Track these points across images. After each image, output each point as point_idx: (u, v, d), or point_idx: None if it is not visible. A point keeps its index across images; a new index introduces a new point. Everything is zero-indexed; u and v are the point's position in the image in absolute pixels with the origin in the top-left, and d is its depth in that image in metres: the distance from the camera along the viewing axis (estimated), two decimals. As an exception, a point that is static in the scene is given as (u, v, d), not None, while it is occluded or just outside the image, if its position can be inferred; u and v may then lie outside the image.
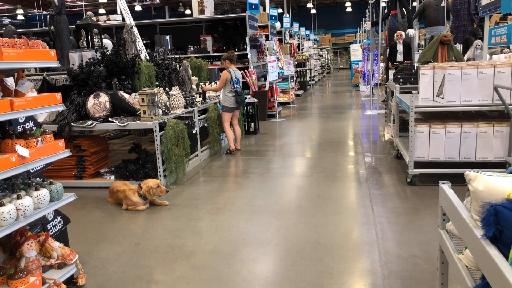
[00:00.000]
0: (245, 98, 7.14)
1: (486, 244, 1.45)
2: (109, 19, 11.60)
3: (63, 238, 3.44)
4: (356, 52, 18.36)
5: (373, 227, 3.80)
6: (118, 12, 13.24)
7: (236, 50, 10.48)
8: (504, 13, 5.87)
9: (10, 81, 2.85)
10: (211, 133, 6.86)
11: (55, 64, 2.84)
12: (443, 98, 4.72)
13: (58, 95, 2.89)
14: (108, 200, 4.89)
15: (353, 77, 18.40)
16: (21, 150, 2.55)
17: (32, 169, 3.05)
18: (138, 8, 28.04)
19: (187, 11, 31.55)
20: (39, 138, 2.74)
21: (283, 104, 12.84)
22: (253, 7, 10.77)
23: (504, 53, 8.30)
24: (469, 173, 1.65)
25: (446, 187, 2.04)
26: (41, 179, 3.18)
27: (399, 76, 6.38)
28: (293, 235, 3.73)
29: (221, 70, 10.58)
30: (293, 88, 14.19)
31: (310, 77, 18.60)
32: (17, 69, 2.68)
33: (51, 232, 3.31)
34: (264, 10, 13.59)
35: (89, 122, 5.24)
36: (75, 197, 3.04)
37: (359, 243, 3.50)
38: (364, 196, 4.63)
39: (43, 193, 2.74)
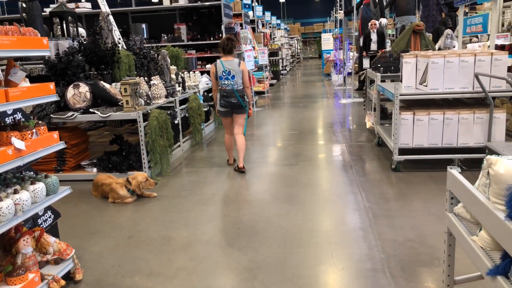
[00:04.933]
0: (240, 98, 5.23)
1: (511, 224, 1.50)
2: (77, 7, 11.20)
3: (54, 233, 3.33)
4: (327, 41, 18.49)
5: (364, 213, 3.87)
6: (82, 0, 12.74)
7: (211, 39, 10.35)
8: (480, 2, 6.04)
9: (-4, 70, 2.72)
10: (192, 123, 6.78)
11: (47, 52, 2.73)
12: (426, 86, 4.83)
13: (52, 85, 2.78)
14: (93, 194, 4.76)
15: (325, 66, 18.57)
16: (17, 142, 2.44)
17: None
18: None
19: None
20: (34, 130, 2.63)
21: (258, 93, 12.82)
22: (228, -5, 10.64)
23: (473, 42, 8.56)
24: (490, 157, 1.69)
25: (455, 172, 2.09)
26: (32, 173, 3.06)
27: (379, 65, 6.47)
28: (287, 223, 3.75)
29: (204, 59, 10.48)
30: (267, 77, 14.19)
31: (282, 66, 18.64)
32: (9, 57, 2.55)
33: (42, 227, 3.21)
34: (237, -2, 13.44)
35: (70, 114, 5.07)
36: (71, 190, 2.95)
37: (353, 229, 3.56)
38: (351, 183, 4.70)
39: (40, 187, 2.64)
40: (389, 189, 4.45)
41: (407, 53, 5.27)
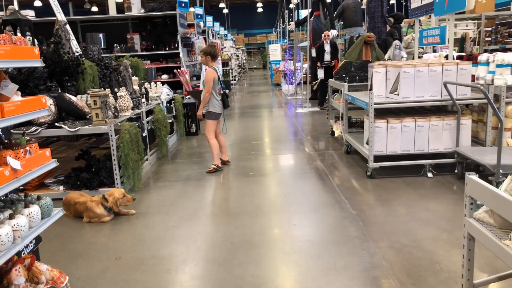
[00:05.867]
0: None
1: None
2: (20, 15, 10.53)
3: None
4: (275, 52, 18.75)
5: (354, 221, 3.91)
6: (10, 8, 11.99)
7: (167, 49, 10.15)
8: (437, 15, 6.39)
9: (-24, 83, 2.46)
10: (158, 136, 6.56)
11: (39, 63, 2.51)
12: (398, 95, 5.00)
13: (43, 99, 2.56)
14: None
15: (274, 77, 18.79)
16: (13, 162, 2.21)
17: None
18: (38, 3, 25.75)
19: (94, 8, 29.92)
20: (28, 148, 2.40)
21: (212, 104, 12.69)
22: (183, 5, 10.51)
23: (420, 53, 9.01)
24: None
25: (475, 178, 2.16)
26: (13, 194, 2.79)
27: (344, 75, 6.63)
28: (280, 235, 3.71)
29: (159, 70, 10.19)
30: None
31: (232, 77, 18.64)
32: (1, 69, 2.31)
33: (23, 253, 2.93)
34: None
35: (33, 128, 4.71)
36: (63, 212, 2.71)
37: (348, 237, 3.58)
38: (332, 191, 4.75)
39: (35, 210, 2.41)
40: (370, 196, 4.53)
41: (377, 63, 5.44)
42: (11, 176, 2.19)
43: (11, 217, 2.23)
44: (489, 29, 13.32)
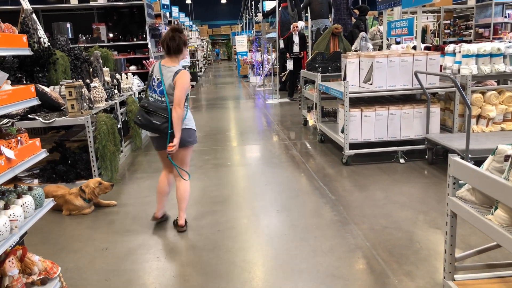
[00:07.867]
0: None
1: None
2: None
3: (22, 252, 3.01)
4: (241, 43, 18.75)
5: (334, 206, 4.05)
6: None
7: (134, 39, 9.98)
8: (405, 8, 6.60)
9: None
10: (132, 127, 6.49)
11: (27, 51, 2.47)
12: (371, 84, 5.18)
13: (32, 88, 2.52)
14: (41, 207, 4.35)
15: (241, 68, 18.80)
16: (7, 151, 2.18)
17: None
18: (-9, -8, 24.57)
19: (51, -3, 28.79)
20: (19, 138, 2.36)
21: (181, 95, 12.61)
22: (150, -5, 10.34)
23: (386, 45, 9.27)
24: (516, 143, 1.90)
25: (459, 159, 2.31)
26: (2, 187, 2.73)
27: (316, 65, 6.76)
28: (266, 221, 3.79)
29: (127, 61, 9.98)
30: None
31: (198, 68, 18.52)
32: (-10, 57, 2.26)
33: (9, 246, 2.88)
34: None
35: (5, 121, 4.57)
36: (54, 202, 2.69)
37: (331, 221, 3.71)
38: (310, 178, 4.88)
39: (29, 200, 2.38)
40: (347, 182, 4.69)
41: (350, 54, 5.59)
42: (6, 166, 2.16)
43: (6, 207, 2.20)
44: (448, 22, 13.85)
